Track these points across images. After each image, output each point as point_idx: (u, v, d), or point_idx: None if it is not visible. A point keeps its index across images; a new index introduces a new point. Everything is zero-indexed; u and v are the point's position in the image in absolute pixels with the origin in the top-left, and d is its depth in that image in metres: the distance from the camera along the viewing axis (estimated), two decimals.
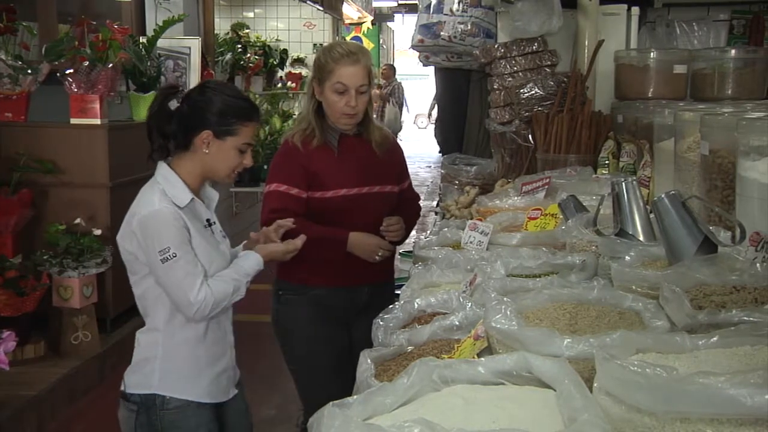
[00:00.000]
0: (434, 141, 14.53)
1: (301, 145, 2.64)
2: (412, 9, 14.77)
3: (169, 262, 2.11)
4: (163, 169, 2.23)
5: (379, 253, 2.67)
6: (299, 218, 2.53)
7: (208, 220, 2.28)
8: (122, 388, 2.26)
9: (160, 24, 5.41)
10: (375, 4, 15.67)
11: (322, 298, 2.71)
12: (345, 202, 2.65)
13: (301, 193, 2.61)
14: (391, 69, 17.13)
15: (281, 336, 2.78)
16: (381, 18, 18.67)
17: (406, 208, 2.87)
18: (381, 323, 1.84)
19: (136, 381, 2.23)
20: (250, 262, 2.28)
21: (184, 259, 2.13)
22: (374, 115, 2.80)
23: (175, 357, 2.21)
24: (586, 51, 3.84)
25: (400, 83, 16.46)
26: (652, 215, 1.90)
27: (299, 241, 2.38)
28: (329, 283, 2.70)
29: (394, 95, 15.93)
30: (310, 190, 2.63)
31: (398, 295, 2.23)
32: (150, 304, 2.23)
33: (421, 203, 3.09)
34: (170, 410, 2.20)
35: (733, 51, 3.69)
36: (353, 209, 2.66)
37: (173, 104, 2.23)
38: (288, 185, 2.61)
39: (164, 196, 2.16)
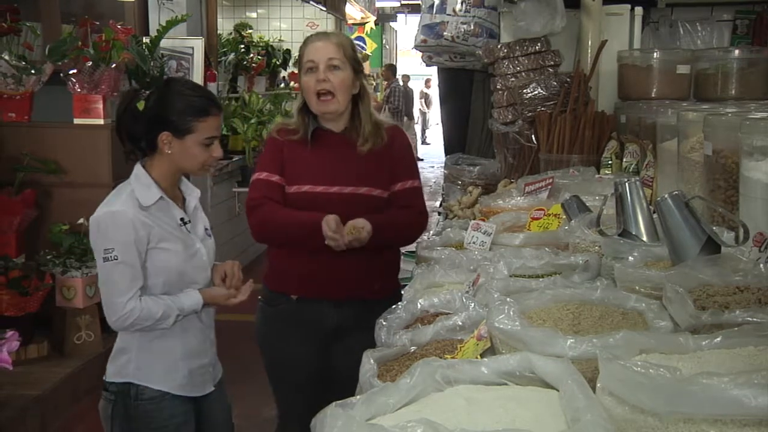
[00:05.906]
0: (437, 141, 14.47)
1: (278, 135, 2.56)
2: (415, 9, 14.73)
3: (110, 263, 2.15)
4: (137, 169, 2.26)
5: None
6: (276, 204, 2.45)
7: (182, 219, 2.27)
8: (104, 377, 2.32)
9: (164, 24, 5.41)
10: (378, 5, 15.65)
11: (290, 310, 2.51)
12: (307, 200, 2.44)
13: (282, 180, 2.49)
14: (390, 69, 16.74)
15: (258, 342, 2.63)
16: (384, 18, 18.63)
17: (390, 212, 2.48)
18: (384, 323, 1.84)
19: (114, 370, 2.29)
20: (190, 300, 2.25)
21: (125, 265, 2.15)
22: (369, 107, 2.54)
23: (150, 348, 2.25)
24: (589, 51, 3.85)
25: (399, 87, 16.15)
26: (655, 215, 1.89)
27: (244, 295, 2.34)
28: (301, 293, 2.50)
29: (391, 100, 15.65)
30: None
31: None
32: None
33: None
34: (144, 401, 2.24)
35: (736, 51, 3.68)
36: (319, 209, 2.38)
37: (139, 106, 2.23)
38: (268, 172, 2.51)
39: (130, 197, 2.18)
